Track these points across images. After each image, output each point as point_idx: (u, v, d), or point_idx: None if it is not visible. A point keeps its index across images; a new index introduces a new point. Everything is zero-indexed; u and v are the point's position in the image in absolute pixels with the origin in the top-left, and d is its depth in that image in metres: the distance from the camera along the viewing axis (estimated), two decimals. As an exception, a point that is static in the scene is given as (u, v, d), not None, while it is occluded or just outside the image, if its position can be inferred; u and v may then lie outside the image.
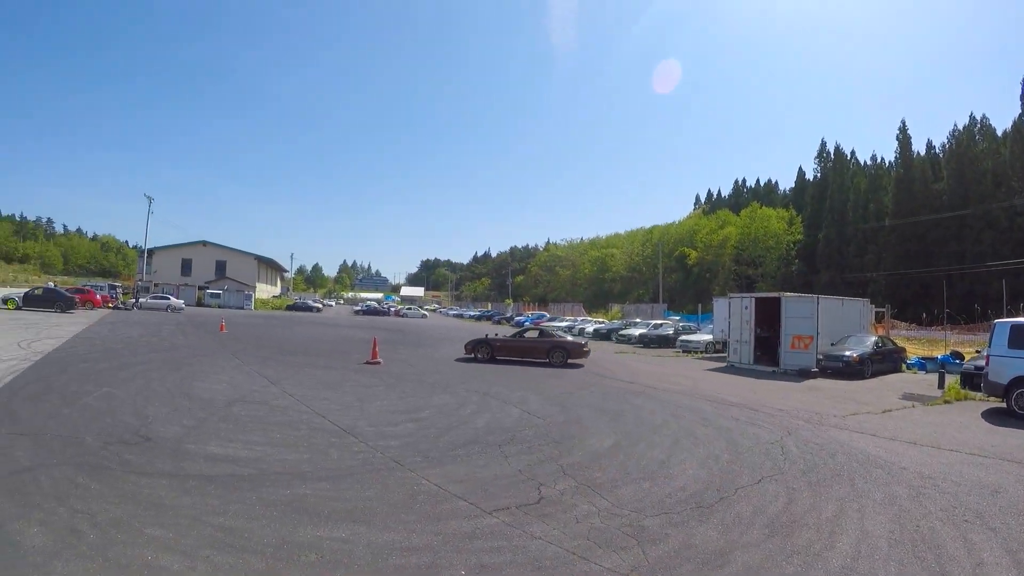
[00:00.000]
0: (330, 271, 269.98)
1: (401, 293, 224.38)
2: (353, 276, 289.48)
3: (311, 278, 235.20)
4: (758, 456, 10.28)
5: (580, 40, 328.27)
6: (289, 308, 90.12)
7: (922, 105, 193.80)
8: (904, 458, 10.51)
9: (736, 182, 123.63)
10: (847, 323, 29.45)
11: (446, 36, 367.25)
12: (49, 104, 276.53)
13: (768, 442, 11.47)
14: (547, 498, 7.54)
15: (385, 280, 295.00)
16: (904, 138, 79.69)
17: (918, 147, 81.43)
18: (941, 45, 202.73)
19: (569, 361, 25.57)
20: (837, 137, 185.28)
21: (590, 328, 53.45)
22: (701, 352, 35.80)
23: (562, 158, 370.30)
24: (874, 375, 24.39)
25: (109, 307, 55.77)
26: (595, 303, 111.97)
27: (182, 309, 61.61)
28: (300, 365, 21.01)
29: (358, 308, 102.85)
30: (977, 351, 26.32)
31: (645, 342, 42.70)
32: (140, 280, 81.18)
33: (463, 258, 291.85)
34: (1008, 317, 24.76)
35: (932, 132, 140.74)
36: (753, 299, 28.10)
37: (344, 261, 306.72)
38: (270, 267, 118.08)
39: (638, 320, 57.44)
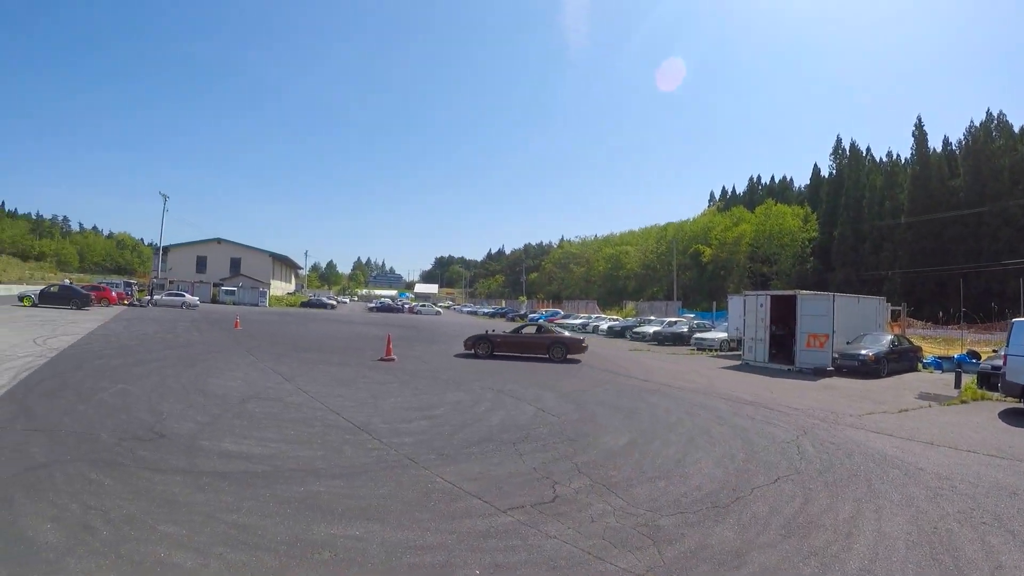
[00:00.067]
0: (344, 268, 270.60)
1: (415, 290, 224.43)
2: (367, 273, 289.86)
3: (325, 275, 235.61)
4: (774, 455, 10.20)
5: (593, 37, 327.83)
6: (303, 305, 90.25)
7: (938, 101, 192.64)
8: (921, 459, 10.40)
9: (751, 179, 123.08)
10: (863, 321, 29.26)
11: (460, 34, 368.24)
12: (64, 103, 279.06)
13: (784, 441, 11.38)
14: (562, 497, 7.49)
15: (399, 277, 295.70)
16: (920, 134, 79.31)
17: (934, 143, 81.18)
18: (957, 40, 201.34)
19: (568, 356, 25.90)
20: (853, 133, 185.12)
21: (604, 326, 53.43)
22: (716, 350, 35.59)
23: (576, 155, 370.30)
24: (890, 374, 24.19)
25: (124, 304, 55.96)
26: (609, 300, 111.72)
27: (197, 306, 61.87)
28: (314, 362, 21.03)
29: (372, 305, 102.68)
30: (994, 350, 26.05)
31: (659, 340, 42.55)
32: (155, 277, 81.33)
33: (477, 255, 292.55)
34: (1026, 316, 24.50)
35: (949, 128, 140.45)
36: (768, 297, 27.92)
37: (358, 258, 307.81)
38: (284, 264, 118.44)
39: (652, 318, 57.27)
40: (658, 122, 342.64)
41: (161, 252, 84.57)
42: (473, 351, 26.01)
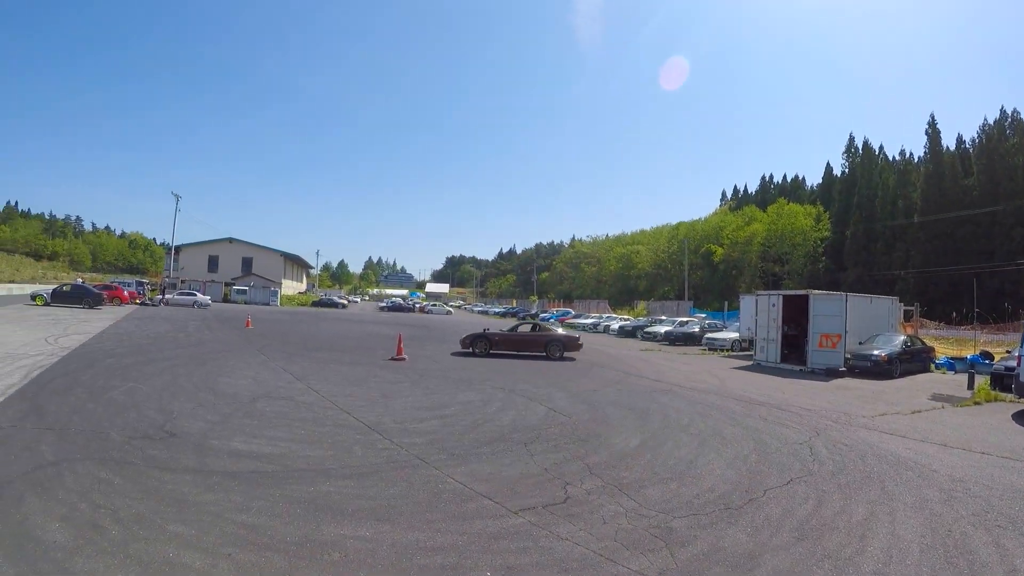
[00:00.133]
0: (355, 268, 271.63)
1: (426, 290, 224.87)
2: (378, 273, 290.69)
3: (336, 275, 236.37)
4: (786, 457, 10.12)
5: (605, 36, 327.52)
6: (315, 304, 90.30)
7: (952, 99, 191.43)
8: (934, 460, 10.31)
9: (763, 178, 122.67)
10: (875, 322, 29.09)
11: (473, 34, 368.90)
12: (77, 103, 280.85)
13: (796, 443, 11.29)
14: (573, 498, 7.44)
15: (410, 277, 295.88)
16: (933, 132, 78.65)
17: (948, 142, 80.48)
18: (971, 37, 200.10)
19: (565, 354, 26.45)
20: (865, 131, 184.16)
21: (615, 325, 53.35)
22: (727, 350, 35.45)
23: (588, 154, 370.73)
24: (902, 375, 24.03)
25: (136, 303, 56.11)
26: (620, 300, 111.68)
27: (208, 305, 61.96)
28: (325, 361, 21.03)
29: (383, 304, 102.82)
30: (1008, 351, 25.84)
31: (671, 339, 42.45)
32: (167, 277, 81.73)
33: (488, 255, 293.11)
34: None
35: (962, 126, 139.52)
36: (781, 296, 27.78)
37: (369, 258, 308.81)
38: (296, 264, 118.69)
39: (664, 317, 57.18)
40: (670, 121, 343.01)
41: (173, 251, 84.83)
42: (471, 350, 26.23)
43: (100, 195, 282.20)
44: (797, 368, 25.39)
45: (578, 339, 27.90)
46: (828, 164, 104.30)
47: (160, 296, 62.06)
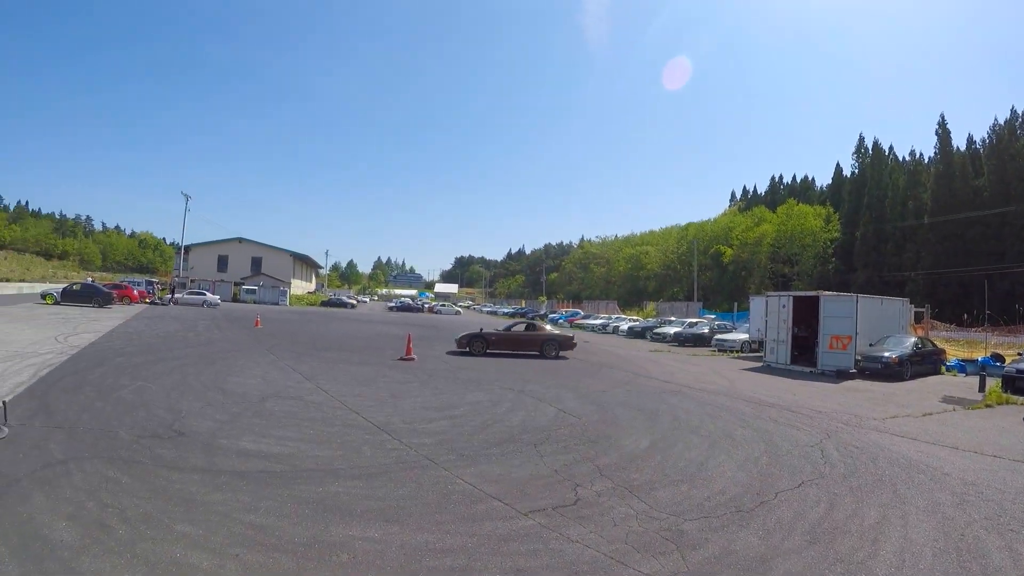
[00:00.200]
0: (364, 268, 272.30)
1: (435, 290, 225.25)
2: (387, 273, 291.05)
3: (345, 274, 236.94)
4: (797, 459, 10.05)
5: (613, 36, 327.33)
6: (323, 304, 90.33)
7: (962, 99, 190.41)
8: (946, 463, 10.24)
9: (772, 178, 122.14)
10: (886, 323, 28.94)
11: (481, 35, 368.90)
12: (88, 102, 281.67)
13: (807, 445, 11.23)
14: (583, 500, 7.40)
15: (419, 277, 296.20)
16: (943, 133, 78.19)
17: (958, 142, 79.77)
18: (981, 37, 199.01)
19: (560, 353, 26.98)
20: (875, 132, 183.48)
21: (624, 326, 53.30)
22: (737, 351, 35.38)
23: (597, 155, 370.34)
24: (913, 377, 23.87)
25: (146, 302, 56.22)
26: (629, 301, 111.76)
27: (218, 304, 62.09)
28: (334, 361, 21.04)
29: (392, 304, 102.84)
30: (1019, 353, 25.75)
31: (680, 340, 42.39)
32: (177, 276, 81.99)
33: (497, 255, 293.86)
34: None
35: (973, 126, 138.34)
36: (791, 298, 27.65)
37: (378, 258, 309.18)
38: (305, 263, 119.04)
39: (673, 318, 57.15)
40: (679, 121, 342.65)
41: (183, 251, 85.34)
42: (467, 349, 26.29)
43: (110, 195, 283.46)
44: (807, 370, 25.29)
45: (572, 338, 28.46)
46: (838, 165, 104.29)
47: (170, 295, 62.27)
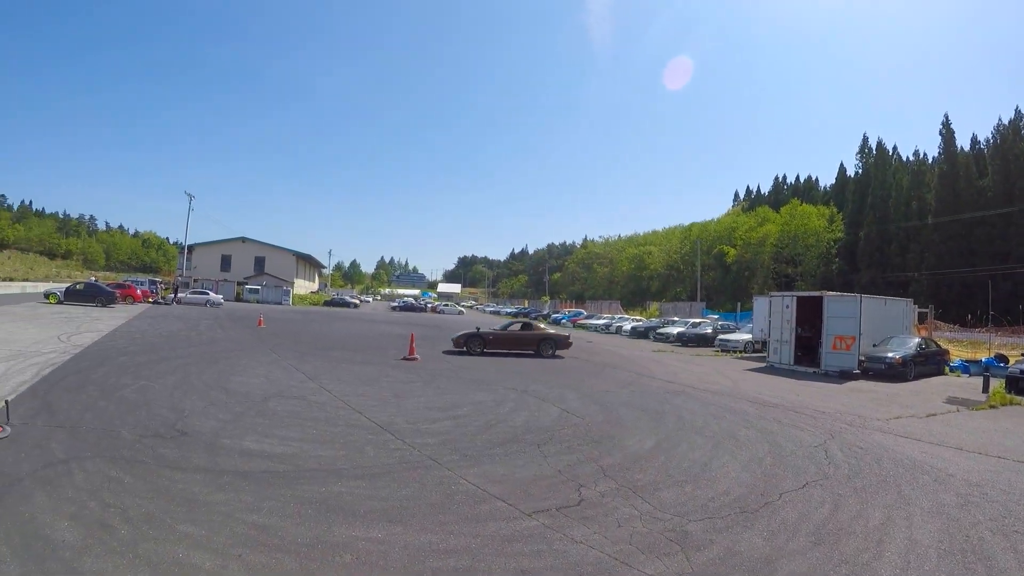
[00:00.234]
0: (367, 267, 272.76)
1: (438, 290, 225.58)
2: (390, 272, 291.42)
3: (349, 274, 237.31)
4: (801, 460, 10.02)
5: (616, 35, 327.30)
6: (327, 304, 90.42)
7: (966, 98, 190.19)
8: (950, 464, 10.21)
9: (776, 178, 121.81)
10: (890, 324, 28.84)
11: (484, 35, 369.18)
12: (91, 102, 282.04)
13: (811, 445, 11.19)
14: (587, 500, 7.38)
15: (422, 277, 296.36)
16: (947, 133, 78.17)
17: (962, 142, 79.91)
18: (985, 37, 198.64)
19: (556, 352, 27.38)
20: (879, 132, 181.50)
21: (628, 326, 53.26)
22: (740, 351, 35.36)
23: (600, 155, 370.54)
24: (916, 377, 23.81)
25: (149, 302, 56.25)
26: (632, 301, 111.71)
27: (221, 304, 62.15)
28: (337, 360, 21.03)
29: (395, 304, 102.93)
30: (1023, 354, 25.67)
31: (683, 341, 42.39)
32: (180, 275, 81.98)
33: (500, 255, 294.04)
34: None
35: (977, 126, 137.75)
36: (795, 298, 27.61)
37: (381, 257, 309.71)
38: (308, 263, 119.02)
39: (676, 318, 57.11)
40: (683, 122, 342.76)
41: (186, 251, 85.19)
42: (465, 348, 26.38)
43: (114, 194, 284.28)
44: (811, 370, 25.25)
45: (567, 337, 28.71)
46: (842, 165, 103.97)
47: (173, 295, 62.25)
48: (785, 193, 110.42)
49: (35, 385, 12.82)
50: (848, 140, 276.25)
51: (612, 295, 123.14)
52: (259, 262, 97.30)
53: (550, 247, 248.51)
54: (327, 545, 5.63)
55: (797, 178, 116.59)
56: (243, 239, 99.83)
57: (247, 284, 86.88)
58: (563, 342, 27.94)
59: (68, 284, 52.36)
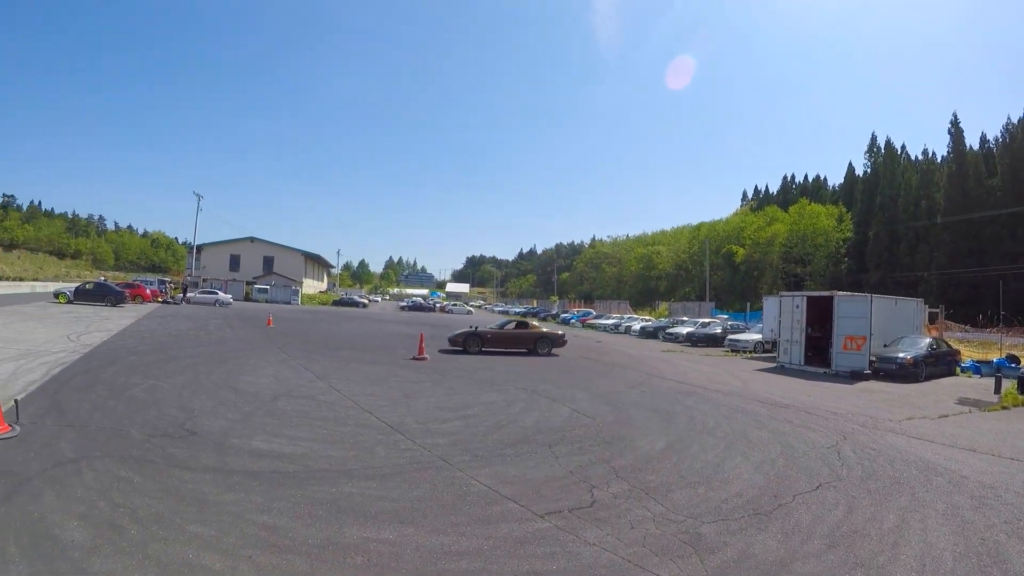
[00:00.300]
0: (376, 267, 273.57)
1: (446, 289, 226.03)
2: (399, 272, 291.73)
3: (357, 274, 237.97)
4: (814, 461, 9.94)
5: (624, 35, 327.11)
6: (335, 303, 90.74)
7: (975, 97, 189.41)
8: (964, 466, 10.11)
9: (785, 178, 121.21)
10: (900, 324, 28.71)
11: (494, 36, 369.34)
12: (101, 102, 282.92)
13: (824, 447, 11.12)
14: (600, 502, 7.32)
15: (431, 276, 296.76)
16: (956, 132, 77.47)
17: (971, 141, 78.91)
18: (994, 35, 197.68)
19: (552, 351, 27.92)
20: (888, 131, 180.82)
21: (637, 326, 53.20)
22: (750, 352, 35.24)
23: (609, 154, 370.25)
24: (928, 378, 23.69)
25: (158, 301, 56.48)
26: (641, 300, 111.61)
27: (230, 304, 62.40)
28: (346, 360, 21.03)
29: (404, 304, 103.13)
30: (1034, 355, 25.54)
31: (693, 341, 42.28)
32: (189, 275, 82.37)
33: (509, 255, 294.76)
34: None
35: (986, 125, 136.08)
36: (805, 298, 27.51)
37: (390, 257, 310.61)
38: (317, 263, 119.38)
39: (685, 318, 57.08)
40: (690, 121, 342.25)
41: (195, 250, 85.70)
42: (463, 347, 26.47)
43: (123, 195, 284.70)
44: (821, 370, 25.14)
45: (563, 336, 29.17)
46: (850, 164, 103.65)
47: (182, 295, 62.55)
48: (794, 193, 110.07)
49: (45, 384, 12.82)
50: (857, 139, 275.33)
51: (621, 295, 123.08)
52: (268, 262, 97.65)
53: (558, 247, 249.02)
54: (338, 546, 5.59)
55: (806, 177, 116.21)
56: (252, 239, 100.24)
57: (256, 284, 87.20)
58: (558, 340, 28.35)
59: (78, 284, 52.56)
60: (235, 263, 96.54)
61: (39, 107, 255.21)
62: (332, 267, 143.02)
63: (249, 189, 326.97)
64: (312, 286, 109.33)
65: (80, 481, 6.92)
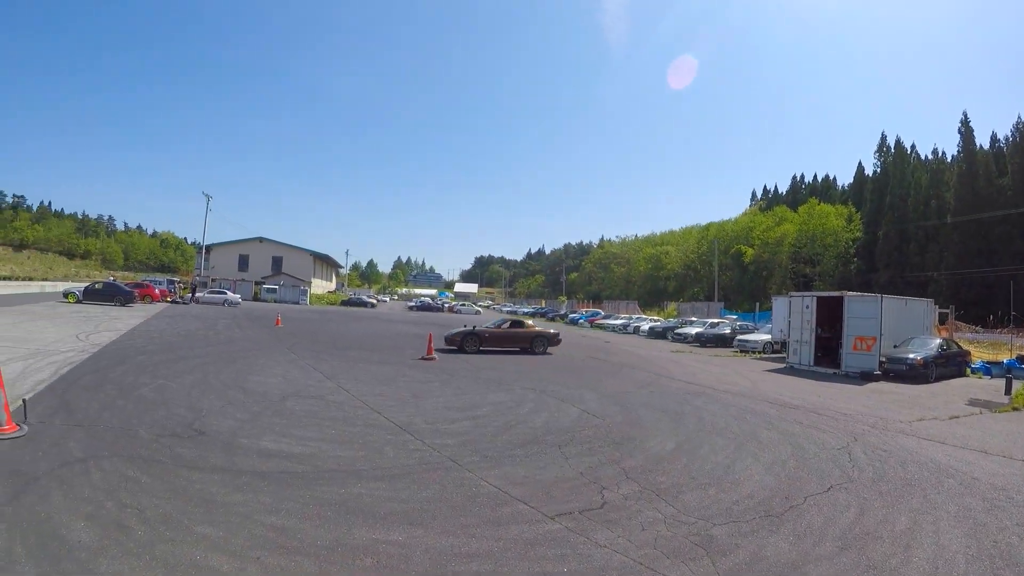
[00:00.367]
0: (384, 267, 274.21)
1: (455, 290, 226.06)
2: (407, 272, 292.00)
3: (366, 274, 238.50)
4: (825, 463, 9.87)
5: (633, 35, 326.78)
6: (344, 303, 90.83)
7: (985, 96, 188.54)
8: (975, 468, 10.02)
9: (794, 178, 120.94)
10: (910, 324, 28.52)
11: (501, 35, 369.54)
12: (110, 103, 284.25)
13: (835, 448, 11.04)
14: (610, 503, 7.27)
15: (439, 276, 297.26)
16: (966, 131, 77.19)
17: (981, 140, 78.73)
18: (1004, 34, 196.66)
19: (547, 350, 28.32)
20: (897, 130, 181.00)
21: (645, 326, 53.14)
22: (759, 352, 35.10)
23: (617, 155, 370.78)
24: (938, 379, 23.49)
25: (167, 301, 56.60)
26: (649, 301, 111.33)
27: (239, 304, 62.53)
28: (355, 360, 21.03)
29: (412, 304, 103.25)
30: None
31: (702, 341, 42.12)
32: (198, 275, 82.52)
33: (517, 255, 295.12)
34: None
35: (996, 124, 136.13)
36: (815, 298, 27.38)
37: (398, 257, 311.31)
38: (325, 263, 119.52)
39: (694, 319, 56.83)
40: (699, 121, 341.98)
41: (204, 251, 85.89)
42: (461, 347, 26.49)
43: (132, 195, 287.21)
44: (831, 371, 25.01)
45: (557, 335, 29.75)
46: (860, 164, 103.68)
47: (191, 295, 62.67)
48: (803, 192, 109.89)
49: (53, 384, 12.83)
50: (866, 139, 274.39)
51: (629, 295, 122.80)
52: (276, 262, 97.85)
53: (567, 247, 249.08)
54: (347, 548, 5.56)
55: (815, 177, 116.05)
56: (260, 239, 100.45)
57: (264, 284, 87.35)
58: (553, 339, 28.85)
59: (87, 284, 52.71)
60: (244, 263, 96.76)
61: (40, 107, 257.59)
62: (341, 267, 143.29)
63: (250, 189, 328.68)
64: (321, 286, 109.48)
65: (88, 481, 6.90)
